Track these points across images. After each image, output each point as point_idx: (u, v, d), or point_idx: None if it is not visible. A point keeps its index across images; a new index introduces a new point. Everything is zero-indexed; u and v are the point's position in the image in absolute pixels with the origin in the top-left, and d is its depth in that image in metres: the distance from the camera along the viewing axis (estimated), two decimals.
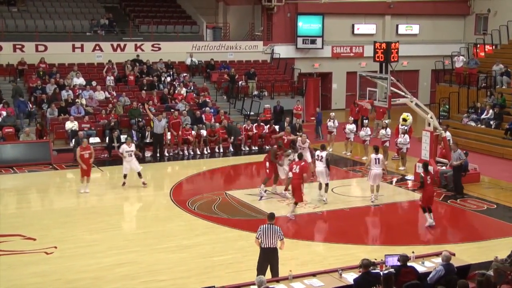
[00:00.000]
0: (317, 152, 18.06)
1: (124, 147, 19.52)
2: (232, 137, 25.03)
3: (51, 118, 25.21)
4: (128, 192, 19.16)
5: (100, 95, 27.27)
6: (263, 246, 11.46)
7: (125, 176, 19.50)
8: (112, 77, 28.62)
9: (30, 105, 25.78)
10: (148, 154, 23.77)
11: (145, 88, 28.33)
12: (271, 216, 11.72)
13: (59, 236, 15.03)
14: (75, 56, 29.71)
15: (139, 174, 19.62)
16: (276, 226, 11.52)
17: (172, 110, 26.01)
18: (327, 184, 17.89)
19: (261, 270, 11.37)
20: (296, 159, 17.01)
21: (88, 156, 18.90)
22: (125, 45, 30.65)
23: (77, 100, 26.14)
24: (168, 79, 29.55)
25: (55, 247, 14.09)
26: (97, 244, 14.54)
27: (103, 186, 20.20)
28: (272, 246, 11.44)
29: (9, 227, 15.68)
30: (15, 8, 31.44)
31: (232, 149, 25.01)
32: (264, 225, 11.51)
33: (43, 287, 12.18)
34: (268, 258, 11.50)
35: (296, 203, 16.52)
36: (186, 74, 30.23)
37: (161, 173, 22.26)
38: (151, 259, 13.52)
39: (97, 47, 30.20)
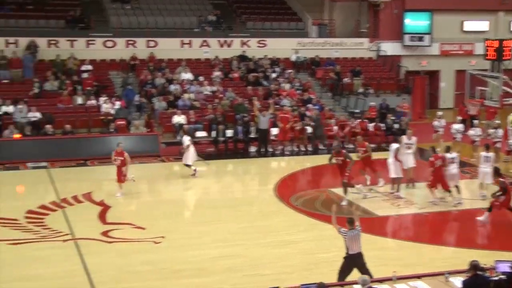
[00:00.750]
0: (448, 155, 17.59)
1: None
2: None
3: (160, 112, 26.00)
4: (233, 187, 19.45)
5: (207, 90, 27.84)
6: (350, 253, 11.12)
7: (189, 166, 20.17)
8: (219, 73, 29.14)
9: (140, 98, 26.63)
10: (252, 149, 24.06)
11: (250, 84, 28.65)
12: (351, 221, 11.25)
13: (167, 226, 15.49)
14: (183, 51, 30.47)
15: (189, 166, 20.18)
16: (356, 231, 11.17)
17: (279, 105, 26.19)
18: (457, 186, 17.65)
19: (342, 277, 11.01)
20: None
21: (120, 163, 18.13)
22: (231, 41, 31.15)
23: (184, 95, 26.83)
24: (273, 75, 29.75)
25: (163, 237, 14.52)
26: (202, 236, 14.85)
27: (209, 179, 20.63)
28: (357, 251, 11.14)
29: (120, 216, 16.34)
30: (129, 5, 32.63)
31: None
32: (348, 232, 11.14)
33: (151, 274, 12.55)
34: (355, 264, 11.12)
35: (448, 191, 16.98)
36: (291, 71, 30.31)
37: (265, 168, 22.47)
38: (255, 253, 13.66)
39: (205, 43, 30.84)
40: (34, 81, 26.52)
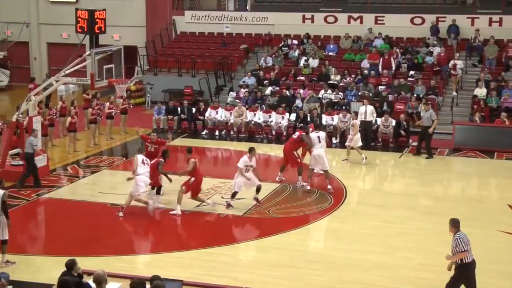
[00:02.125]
0: None
1: None
2: None
3: None
4: None
5: None
6: (466, 261, 10.06)
7: None
8: None
9: None
10: None
11: None
12: (456, 222, 10.22)
13: None
14: None
15: None
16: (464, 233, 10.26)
17: None
18: None
19: None
20: None
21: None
22: None
23: None
24: None
25: None
26: None
27: None
28: (473, 257, 10.16)
29: None
30: None
31: None
32: (462, 234, 10.10)
33: None
34: (472, 274, 10.18)
35: None
36: None
37: None
38: None
39: None
40: None
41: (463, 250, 9.96)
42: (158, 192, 15.92)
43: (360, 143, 20.19)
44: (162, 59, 30.09)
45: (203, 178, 15.73)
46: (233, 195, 15.65)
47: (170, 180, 15.95)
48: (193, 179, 15.32)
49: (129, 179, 15.45)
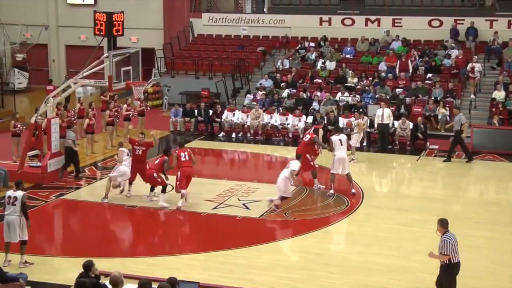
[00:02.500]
0: None
1: None
2: None
3: None
4: None
5: None
6: (454, 261, 10.06)
7: None
8: None
9: None
10: None
11: None
12: (445, 223, 10.23)
13: None
14: None
15: None
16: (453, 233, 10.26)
17: None
18: None
19: None
20: None
21: None
22: None
23: None
24: None
25: None
26: None
27: None
28: (458, 259, 10.12)
29: None
30: None
31: None
32: (450, 235, 10.12)
33: None
34: (454, 277, 10.14)
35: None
36: None
37: None
38: None
39: None
40: None
41: (445, 253, 10.00)
42: (163, 191, 15.99)
43: (357, 144, 20.37)
44: (180, 62, 30.17)
45: (190, 171, 15.81)
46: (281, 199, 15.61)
47: (167, 178, 16.09)
48: (179, 172, 15.58)
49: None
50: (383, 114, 21.73)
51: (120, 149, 16.68)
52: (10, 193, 12.29)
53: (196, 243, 14.16)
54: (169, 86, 28.85)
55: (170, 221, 15.32)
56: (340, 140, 16.92)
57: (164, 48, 31.01)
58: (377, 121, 21.82)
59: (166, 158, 15.96)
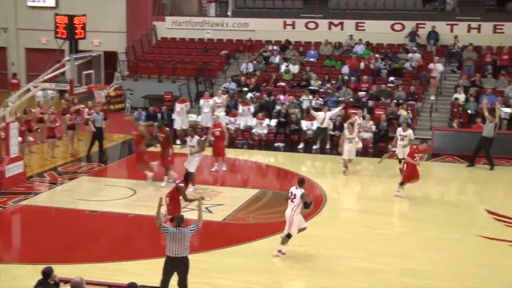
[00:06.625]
0: None
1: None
2: None
3: None
4: None
5: None
6: (169, 254, 10.41)
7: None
8: None
9: None
10: None
11: None
12: (179, 219, 10.51)
13: None
14: None
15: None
16: (185, 229, 10.39)
17: None
18: None
19: (164, 283, 10.43)
20: None
21: None
22: None
23: None
24: None
25: None
26: None
27: None
28: (180, 254, 10.40)
29: None
30: None
31: None
32: (172, 229, 10.39)
33: None
34: (175, 268, 10.49)
35: None
36: None
37: None
38: None
39: None
40: None
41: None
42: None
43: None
44: (142, 65, 29.95)
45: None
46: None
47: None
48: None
49: None
50: (325, 118, 22.04)
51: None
52: None
53: (158, 248, 13.97)
54: (132, 89, 28.63)
55: (132, 226, 15.14)
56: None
57: (127, 51, 30.74)
58: (316, 124, 22.20)
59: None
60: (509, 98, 23.78)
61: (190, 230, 10.43)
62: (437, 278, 12.03)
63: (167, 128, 18.79)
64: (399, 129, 19.23)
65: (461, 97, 24.20)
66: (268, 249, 13.49)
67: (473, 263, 12.85)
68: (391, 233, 14.48)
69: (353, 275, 12.26)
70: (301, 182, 13.03)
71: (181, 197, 13.29)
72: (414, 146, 17.13)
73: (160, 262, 11.38)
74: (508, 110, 23.12)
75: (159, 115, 24.51)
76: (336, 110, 22.64)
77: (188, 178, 13.88)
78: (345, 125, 20.89)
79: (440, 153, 21.62)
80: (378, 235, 14.41)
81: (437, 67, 25.91)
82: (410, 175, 16.89)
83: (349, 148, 19.42)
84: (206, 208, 15.74)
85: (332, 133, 22.85)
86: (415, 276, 12.04)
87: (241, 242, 14.09)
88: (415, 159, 16.77)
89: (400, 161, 18.57)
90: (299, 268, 12.59)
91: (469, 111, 23.58)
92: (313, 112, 22.54)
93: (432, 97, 25.41)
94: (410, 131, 18.92)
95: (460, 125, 22.92)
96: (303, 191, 12.81)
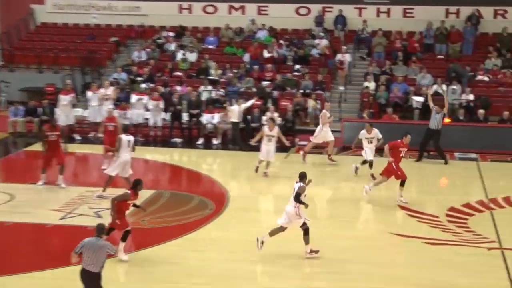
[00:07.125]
0: None
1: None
2: None
3: None
4: None
5: None
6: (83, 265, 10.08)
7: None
8: None
9: None
10: None
11: None
12: (99, 229, 10.28)
13: None
14: None
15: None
16: (104, 242, 10.23)
17: None
18: None
19: None
20: None
21: None
22: None
23: None
24: None
25: None
26: None
27: None
28: (91, 270, 10.00)
29: None
30: None
31: None
32: (87, 240, 10.15)
33: None
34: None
35: None
36: None
37: None
38: None
39: None
40: None
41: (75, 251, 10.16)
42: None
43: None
44: (20, 54, 29.18)
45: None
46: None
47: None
48: None
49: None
50: (239, 112, 22.34)
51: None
52: None
53: (42, 259, 13.57)
54: (8, 81, 27.77)
55: (10, 236, 14.62)
56: (128, 141, 16.81)
57: (1, 38, 29.72)
58: (232, 119, 22.49)
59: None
60: (421, 87, 24.68)
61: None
62: (348, 280, 12.26)
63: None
64: (363, 132, 19.19)
65: (371, 85, 24.89)
66: (165, 256, 13.34)
67: (385, 263, 13.13)
68: (298, 233, 14.64)
69: (257, 280, 12.45)
70: (302, 176, 13.33)
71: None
72: (399, 141, 16.92)
73: (45, 275, 11.07)
74: (420, 99, 23.97)
75: (40, 110, 23.86)
76: (248, 103, 22.72)
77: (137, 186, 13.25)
78: (264, 119, 21.02)
79: (350, 146, 22.07)
80: (283, 236, 14.37)
81: (346, 58, 26.50)
82: (389, 171, 16.89)
83: (268, 148, 19.12)
84: (96, 212, 15.46)
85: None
86: (326, 279, 12.25)
87: (136, 249, 13.83)
88: (400, 154, 16.84)
89: (370, 165, 18.82)
90: (200, 275, 12.45)
91: (380, 101, 24.27)
92: (228, 107, 22.67)
93: (341, 87, 25.98)
94: (376, 131, 19.16)
95: (370, 116, 23.52)
96: (301, 184, 13.11)
